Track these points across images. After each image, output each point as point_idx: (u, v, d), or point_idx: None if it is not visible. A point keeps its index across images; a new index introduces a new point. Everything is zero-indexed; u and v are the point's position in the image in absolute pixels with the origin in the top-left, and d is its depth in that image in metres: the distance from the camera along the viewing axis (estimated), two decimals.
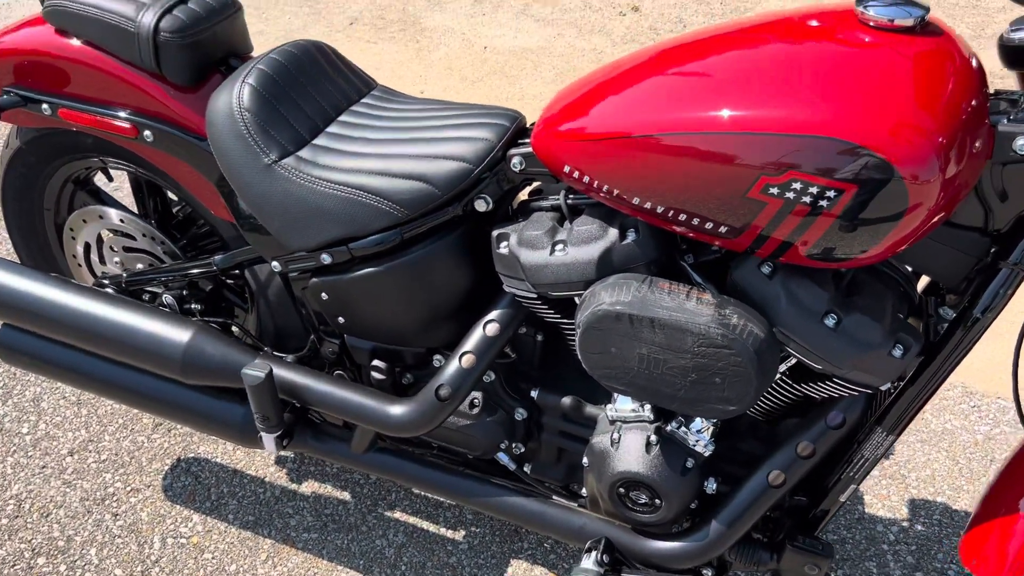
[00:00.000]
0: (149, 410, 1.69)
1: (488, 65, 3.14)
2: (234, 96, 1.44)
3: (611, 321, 1.22)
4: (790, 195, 1.06)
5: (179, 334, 1.57)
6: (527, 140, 1.39)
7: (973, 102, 1.06)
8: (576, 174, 1.24)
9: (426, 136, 1.43)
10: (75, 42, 1.56)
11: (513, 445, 1.60)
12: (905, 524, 1.90)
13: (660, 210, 1.18)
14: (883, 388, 1.27)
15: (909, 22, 1.07)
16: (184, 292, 1.76)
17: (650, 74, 1.19)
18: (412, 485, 1.62)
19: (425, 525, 1.91)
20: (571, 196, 1.35)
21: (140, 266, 1.82)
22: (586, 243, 1.28)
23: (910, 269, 1.33)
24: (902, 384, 1.29)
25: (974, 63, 1.10)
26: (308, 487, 1.99)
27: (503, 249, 1.36)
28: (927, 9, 1.08)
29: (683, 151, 1.11)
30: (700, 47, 1.18)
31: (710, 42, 1.17)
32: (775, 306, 1.20)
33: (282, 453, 2.01)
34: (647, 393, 1.28)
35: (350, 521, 1.92)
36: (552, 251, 1.31)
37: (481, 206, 1.41)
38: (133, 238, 1.79)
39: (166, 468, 2.03)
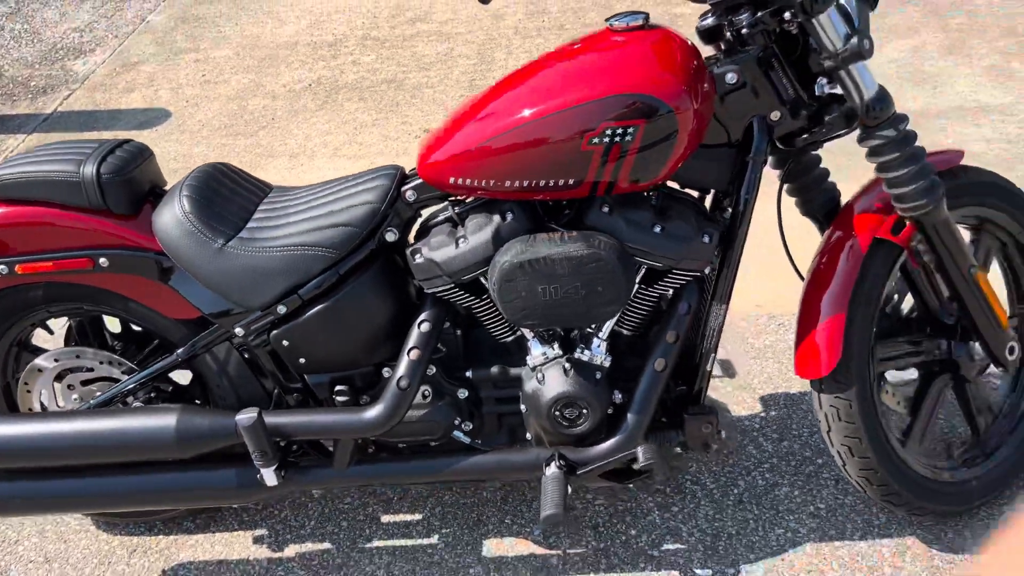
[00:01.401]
0: (153, 503, 1.94)
1: None
2: (176, 207, 1.83)
3: (515, 271, 1.70)
4: (606, 140, 1.61)
5: (165, 419, 1.86)
6: (412, 177, 1.87)
7: (695, 62, 1.68)
8: (462, 181, 1.73)
9: (336, 196, 1.87)
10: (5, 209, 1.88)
11: (463, 423, 1.99)
12: (763, 414, 2.45)
13: (527, 184, 1.69)
14: (707, 272, 1.82)
15: (639, 22, 1.69)
16: (152, 395, 2.03)
17: (491, 99, 1.73)
18: (395, 480, 1.96)
19: (403, 542, 2.21)
20: (455, 207, 1.84)
21: (99, 393, 2.08)
22: (480, 230, 1.76)
23: (697, 194, 1.91)
24: (718, 268, 1.84)
25: (688, 42, 1.73)
26: (291, 550, 2.23)
27: (419, 260, 1.81)
28: (647, 14, 1.70)
29: (531, 136, 1.64)
30: (520, 75, 1.73)
31: (526, 69, 1.74)
32: (621, 230, 1.73)
33: (269, 501, 2.24)
34: (556, 318, 1.75)
35: (338, 562, 2.19)
36: (457, 245, 1.78)
37: (390, 236, 1.86)
38: (91, 370, 2.06)
39: None
